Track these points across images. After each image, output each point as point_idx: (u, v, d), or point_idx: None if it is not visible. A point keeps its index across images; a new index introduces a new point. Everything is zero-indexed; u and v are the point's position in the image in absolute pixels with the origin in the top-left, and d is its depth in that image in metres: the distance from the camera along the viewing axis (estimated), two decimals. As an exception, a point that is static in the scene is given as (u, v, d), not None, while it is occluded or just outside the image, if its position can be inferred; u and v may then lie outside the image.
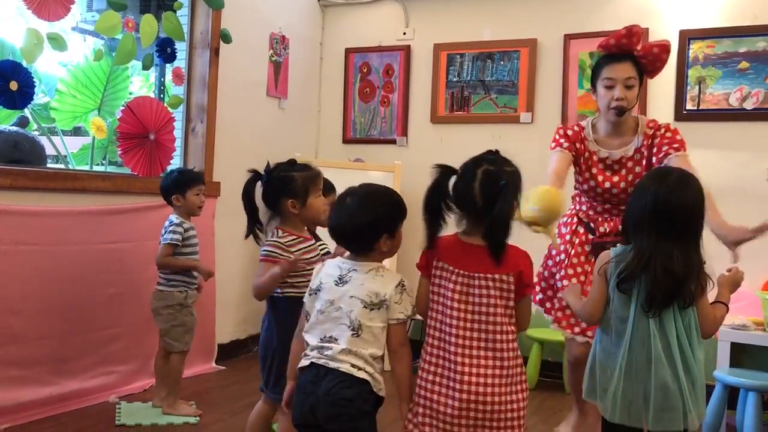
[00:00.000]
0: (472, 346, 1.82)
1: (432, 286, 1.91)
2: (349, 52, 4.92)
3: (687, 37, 3.90)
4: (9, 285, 2.96)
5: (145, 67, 3.75)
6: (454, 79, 4.56)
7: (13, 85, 2.97)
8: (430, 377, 1.85)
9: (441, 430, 1.82)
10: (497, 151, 1.94)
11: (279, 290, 2.30)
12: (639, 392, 1.91)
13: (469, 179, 1.85)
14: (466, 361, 1.81)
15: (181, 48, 3.89)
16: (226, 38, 4.02)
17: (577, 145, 2.74)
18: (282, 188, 2.34)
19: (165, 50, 3.70)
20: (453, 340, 1.83)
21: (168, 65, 3.92)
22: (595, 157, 2.75)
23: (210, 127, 4.01)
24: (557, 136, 2.80)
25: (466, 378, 1.79)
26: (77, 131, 4.23)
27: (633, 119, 2.74)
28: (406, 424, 1.90)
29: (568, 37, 4.22)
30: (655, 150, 2.67)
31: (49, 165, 3.64)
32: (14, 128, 3.39)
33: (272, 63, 4.49)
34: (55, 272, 3.14)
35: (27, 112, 3.58)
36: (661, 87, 3.98)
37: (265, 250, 2.29)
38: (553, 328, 2.88)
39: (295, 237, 2.34)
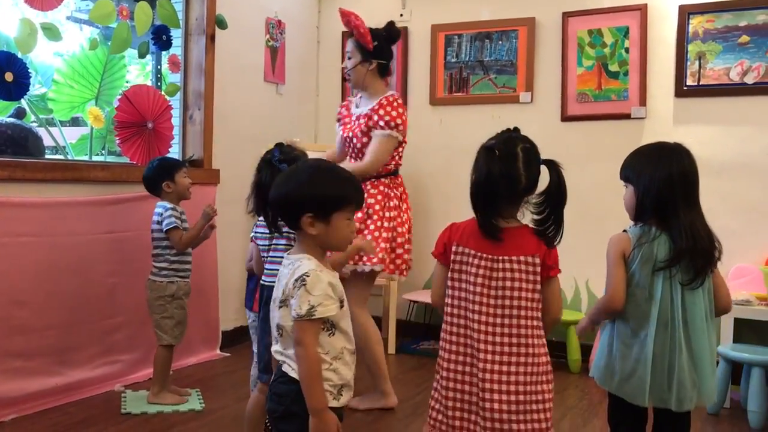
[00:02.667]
0: (495, 333, 1.76)
1: (452, 273, 1.84)
2: (345, 35, 4.88)
3: (686, 12, 3.86)
4: (11, 277, 2.96)
5: (141, 55, 3.73)
6: (453, 60, 4.53)
7: (9, 77, 2.96)
8: (459, 368, 1.80)
9: (473, 423, 1.78)
10: (517, 129, 1.88)
11: None
12: (664, 374, 1.91)
13: (512, 159, 1.77)
14: (489, 348, 1.76)
15: (176, 35, 3.86)
16: (222, 24, 3.99)
17: (346, 117, 3.35)
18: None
19: (160, 38, 3.68)
20: (476, 326, 1.78)
21: (164, 53, 3.90)
22: (350, 116, 3.33)
23: (208, 114, 4.00)
24: (338, 113, 3.43)
25: (489, 366, 1.75)
26: (75, 121, 4.21)
27: (378, 93, 3.23)
28: (432, 410, 1.84)
29: (567, 15, 4.18)
30: (371, 122, 3.16)
31: (48, 156, 3.63)
32: (11, 120, 3.37)
33: (269, 48, 4.46)
34: (56, 263, 3.14)
35: (24, 103, 3.56)
36: (661, 63, 3.96)
37: None
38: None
39: None
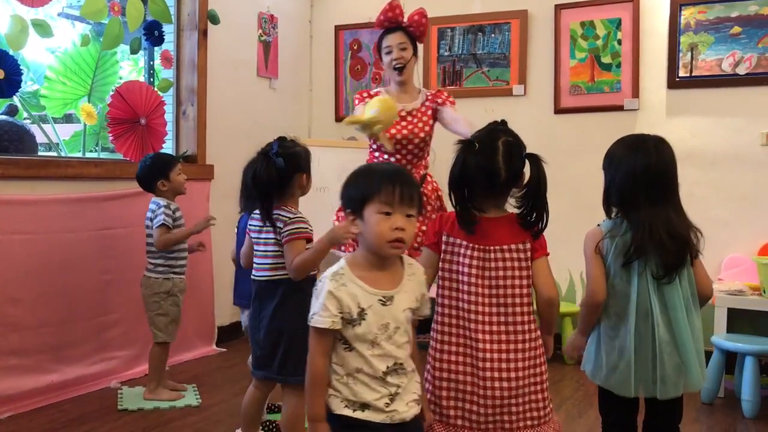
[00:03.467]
0: (492, 322, 1.78)
1: (442, 263, 1.85)
2: (338, 29, 4.88)
3: (678, 3, 3.87)
4: (5, 274, 2.95)
5: (133, 51, 3.72)
6: (446, 54, 4.53)
7: (0, 74, 2.94)
8: (453, 357, 1.81)
9: (468, 411, 1.80)
10: (504, 122, 1.90)
11: None
12: (648, 365, 1.92)
13: (491, 152, 1.78)
14: (487, 338, 1.78)
15: (168, 30, 3.85)
16: (214, 19, 3.98)
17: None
18: (297, 164, 2.30)
19: (152, 33, 3.66)
20: (473, 317, 1.79)
21: (156, 48, 3.89)
22: None
23: (201, 110, 3.99)
24: (357, 99, 3.23)
25: (488, 356, 1.77)
26: (69, 118, 4.20)
27: (415, 87, 3.28)
28: (429, 397, 1.85)
29: (559, 8, 4.18)
30: (440, 101, 3.20)
31: (41, 153, 3.62)
32: (3, 117, 3.36)
33: (261, 43, 4.46)
34: (51, 260, 3.13)
35: (16, 100, 3.55)
36: (653, 54, 3.97)
37: (295, 228, 2.23)
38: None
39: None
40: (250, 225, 2.37)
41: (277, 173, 2.24)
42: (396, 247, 1.58)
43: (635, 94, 4.00)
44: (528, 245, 1.80)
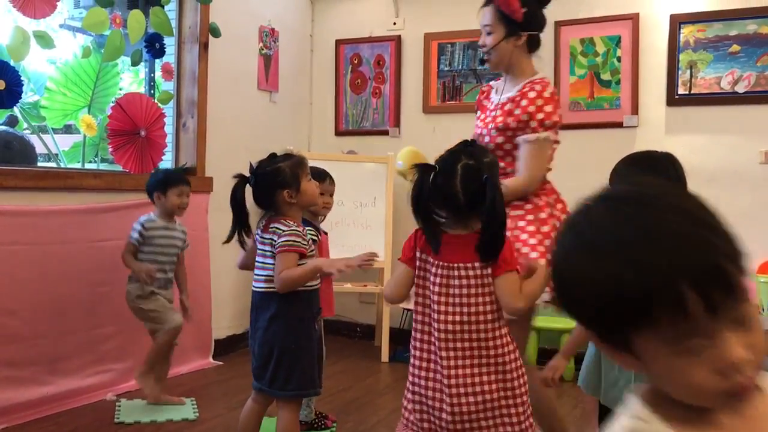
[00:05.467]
0: (456, 339, 1.80)
1: (417, 279, 1.89)
2: (339, 43, 4.90)
3: (678, 21, 3.89)
4: (2, 285, 2.94)
5: (134, 63, 3.72)
6: (446, 69, 4.55)
7: (0, 84, 2.95)
8: (422, 373, 1.85)
9: (438, 427, 1.82)
10: (473, 142, 1.93)
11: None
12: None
13: (450, 175, 1.81)
14: (452, 354, 1.80)
15: (169, 43, 3.86)
16: (215, 32, 3.99)
17: (481, 105, 2.64)
18: (274, 181, 2.32)
19: (153, 46, 3.67)
20: (437, 335, 1.82)
21: (157, 61, 3.90)
22: (486, 111, 2.56)
23: (201, 123, 3.99)
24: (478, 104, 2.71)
25: (452, 372, 1.79)
26: (68, 129, 4.20)
27: (529, 73, 2.48)
28: (405, 410, 1.90)
29: (559, 24, 4.20)
30: (511, 118, 2.38)
31: (40, 164, 3.62)
32: (3, 127, 3.36)
33: (262, 56, 4.47)
34: (48, 271, 3.12)
35: (16, 111, 3.56)
36: (653, 72, 3.98)
37: (287, 240, 2.25)
38: None
39: (299, 226, 2.34)
40: (256, 234, 2.38)
41: (254, 193, 2.33)
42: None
43: (634, 111, 4.01)
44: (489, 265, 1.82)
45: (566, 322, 4.00)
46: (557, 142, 2.49)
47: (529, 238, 2.34)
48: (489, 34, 2.45)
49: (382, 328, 4.28)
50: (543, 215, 2.44)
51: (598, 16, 4.11)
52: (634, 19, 3.99)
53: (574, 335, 2.02)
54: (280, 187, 2.32)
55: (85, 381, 3.28)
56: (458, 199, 1.80)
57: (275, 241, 2.27)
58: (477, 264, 1.81)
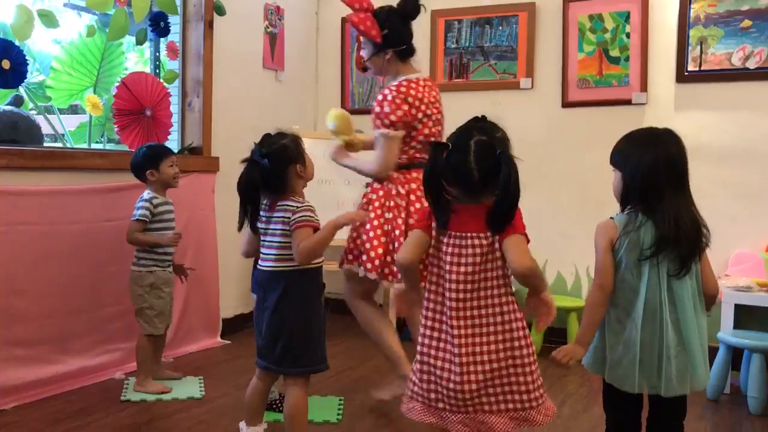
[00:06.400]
0: (466, 307, 1.83)
1: (432, 249, 1.91)
2: (345, 21, 4.85)
3: (688, -4, 3.83)
4: (10, 265, 2.95)
5: (139, 42, 3.71)
6: (453, 46, 4.51)
7: (5, 64, 2.94)
8: (433, 343, 1.88)
9: (445, 395, 1.86)
10: (484, 117, 1.91)
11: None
12: (653, 361, 1.91)
13: (464, 152, 1.81)
14: (461, 323, 1.83)
15: (174, 22, 3.84)
16: (220, 10, 3.96)
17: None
18: (285, 157, 2.31)
19: (158, 24, 3.65)
20: (449, 303, 1.85)
21: (162, 40, 3.88)
22: None
23: (206, 102, 3.98)
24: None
25: (462, 341, 1.83)
26: (74, 109, 4.20)
27: (407, 72, 2.89)
28: (410, 382, 1.94)
29: (567, 0, 4.15)
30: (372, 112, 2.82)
31: (46, 144, 3.62)
32: (9, 107, 3.36)
33: (267, 35, 4.44)
34: (55, 251, 3.13)
35: (22, 90, 3.55)
36: (662, 48, 3.93)
37: (302, 216, 2.26)
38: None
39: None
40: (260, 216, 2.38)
41: (267, 174, 2.27)
42: None
43: (643, 88, 3.96)
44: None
45: (573, 301, 4.00)
46: (416, 133, 2.83)
47: (374, 219, 2.79)
48: (363, 48, 2.90)
49: (388, 308, 4.28)
50: (390, 203, 2.81)
51: (607, -9, 4.05)
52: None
53: (588, 321, 2.00)
54: (291, 162, 2.32)
55: (93, 360, 3.31)
56: (472, 176, 1.80)
57: (290, 218, 2.27)
58: (488, 234, 1.83)
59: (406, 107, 2.78)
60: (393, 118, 2.77)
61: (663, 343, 1.90)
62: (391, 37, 2.81)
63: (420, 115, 2.82)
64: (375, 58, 2.87)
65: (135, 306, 3.13)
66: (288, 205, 2.29)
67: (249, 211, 2.30)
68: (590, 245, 2.03)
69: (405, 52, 2.89)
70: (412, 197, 2.80)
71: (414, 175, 2.83)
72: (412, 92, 2.81)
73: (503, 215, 1.80)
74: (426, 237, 1.91)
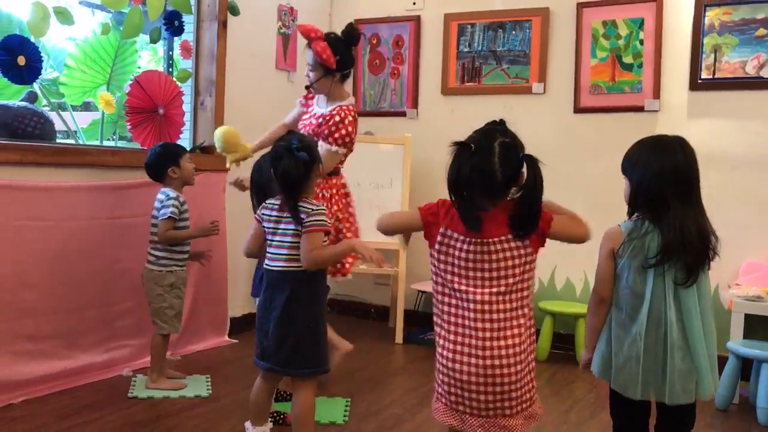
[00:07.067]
0: (492, 310, 1.83)
1: (438, 254, 1.90)
2: (358, 23, 4.85)
3: (703, 3, 3.81)
4: (22, 260, 2.97)
5: (153, 41, 3.72)
6: (465, 50, 4.50)
7: (21, 60, 2.96)
8: (455, 347, 1.86)
9: (469, 399, 1.86)
10: (503, 121, 1.91)
11: None
12: (658, 368, 1.91)
13: (487, 153, 1.80)
14: (487, 326, 1.83)
15: (188, 21, 3.85)
16: (234, 10, 3.98)
17: (309, 102, 3.34)
18: (314, 155, 2.34)
19: (172, 23, 3.67)
20: (473, 306, 1.84)
21: (176, 38, 3.89)
22: (308, 113, 3.30)
23: (219, 101, 3.99)
24: (303, 97, 3.39)
25: (488, 344, 1.82)
26: (87, 106, 4.21)
27: (341, 96, 3.21)
28: (436, 384, 1.96)
29: (581, 6, 4.14)
30: (319, 129, 3.13)
31: (59, 140, 3.64)
32: (23, 103, 3.38)
33: (280, 35, 4.45)
34: (66, 247, 3.15)
35: (36, 87, 3.57)
36: (676, 55, 3.92)
37: (316, 220, 2.27)
38: None
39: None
40: (263, 214, 2.38)
41: (299, 170, 2.27)
42: None
43: (656, 95, 3.95)
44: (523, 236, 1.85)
45: (582, 308, 3.99)
46: (347, 154, 3.18)
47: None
48: (311, 71, 3.14)
49: (397, 310, 4.29)
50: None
51: (621, -3, 4.04)
52: (657, 1, 3.93)
53: (587, 326, 2.04)
54: (318, 161, 2.34)
55: (102, 356, 3.32)
56: (495, 177, 1.79)
57: (303, 220, 2.27)
58: (511, 236, 1.83)
59: (356, 128, 3.20)
60: (348, 140, 3.11)
61: (667, 351, 1.90)
62: (341, 62, 3.12)
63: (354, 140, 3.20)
64: (324, 80, 3.14)
65: (153, 305, 3.14)
66: (303, 207, 2.29)
67: (290, 201, 2.29)
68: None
69: (346, 75, 3.24)
70: (334, 200, 3.18)
71: (334, 181, 3.20)
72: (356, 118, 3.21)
73: (529, 217, 1.81)
74: (419, 225, 1.92)
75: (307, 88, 3.24)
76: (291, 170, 2.25)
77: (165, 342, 3.18)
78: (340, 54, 3.10)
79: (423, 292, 4.50)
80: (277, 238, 2.33)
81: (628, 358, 1.94)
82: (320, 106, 3.24)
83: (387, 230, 2.04)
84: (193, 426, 2.78)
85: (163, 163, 3.13)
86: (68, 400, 2.98)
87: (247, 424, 2.51)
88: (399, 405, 3.12)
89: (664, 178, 1.91)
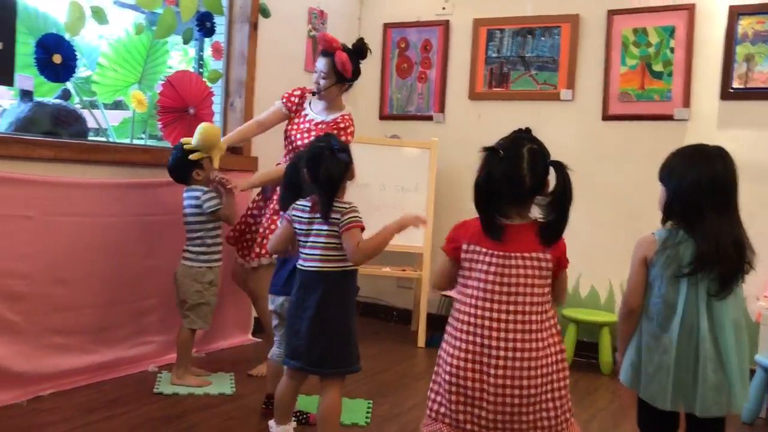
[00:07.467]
0: (508, 329, 1.79)
1: (462, 270, 1.88)
2: (387, 27, 4.89)
3: (736, 12, 3.78)
4: (53, 255, 3.02)
5: (186, 41, 3.77)
6: (494, 55, 4.50)
7: (57, 58, 3.01)
8: (462, 363, 1.82)
9: (477, 416, 1.80)
10: (528, 129, 1.91)
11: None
12: (689, 380, 1.89)
13: (516, 159, 1.80)
14: (501, 344, 1.78)
15: (220, 22, 3.89)
16: (265, 12, 4.01)
17: (296, 107, 3.47)
18: (351, 157, 2.38)
19: (204, 24, 3.71)
20: (488, 323, 1.80)
21: (207, 39, 3.94)
22: (301, 114, 3.44)
23: (248, 102, 4.03)
24: (287, 93, 3.50)
25: (501, 362, 1.78)
26: (117, 105, 4.27)
27: (340, 106, 3.42)
28: (433, 402, 1.89)
29: (612, 13, 4.12)
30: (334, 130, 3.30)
31: (90, 138, 3.69)
32: (57, 101, 3.44)
33: (310, 38, 4.48)
34: (96, 243, 3.20)
35: (69, 85, 3.63)
36: (707, 64, 3.88)
37: (353, 217, 2.31)
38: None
39: None
40: (294, 215, 2.40)
41: (343, 169, 2.32)
42: None
43: (686, 103, 3.92)
44: (549, 256, 1.82)
45: (606, 316, 3.97)
46: None
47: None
48: (323, 78, 3.31)
49: (420, 314, 4.29)
50: None
51: (653, 5, 4.02)
52: (690, 9, 3.90)
53: (618, 334, 2.04)
54: (352, 162, 2.38)
55: (128, 351, 3.36)
56: (524, 183, 1.79)
57: (338, 220, 2.29)
58: (534, 254, 1.81)
59: (352, 138, 3.39)
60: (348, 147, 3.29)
61: (699, 362, 1.88)
62: (355, 73, 3.36)
63: None
64: (334, 88, 3.33)
65: (190, 302, 3.17)
66: (336, 206, 2.32)
67: (329, 201, 2.31)
68: (625, 260, 2.03)
69: (350, 86, 3.47)
70: None
71: None
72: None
73: (557, 225, 1.80)
74: (455, 266, 1.90)
75: (314, 94, 3.37)
76: (333, 171, 2.28)
77: (192, 337, 3.22)
78: (355, 66, 3.32)
79: (446, 296, 4.50)
80: (311, 238, 2.35)
81: (658, 369, 1.92)
82: (317, 113, 3.40)
83: (440, 288, 2.03)
84: (217, 423, 2.81)
85: (188, 165, 3.17)
86: (95, 394, 3.03)
87: (271, 423, 2.53)
88: (421, 409, 3.12)
89: (701, 188, 1.90)
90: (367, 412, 3.00)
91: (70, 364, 3.08)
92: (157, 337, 3.51)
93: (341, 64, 3.24)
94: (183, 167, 3.18)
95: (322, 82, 3.32)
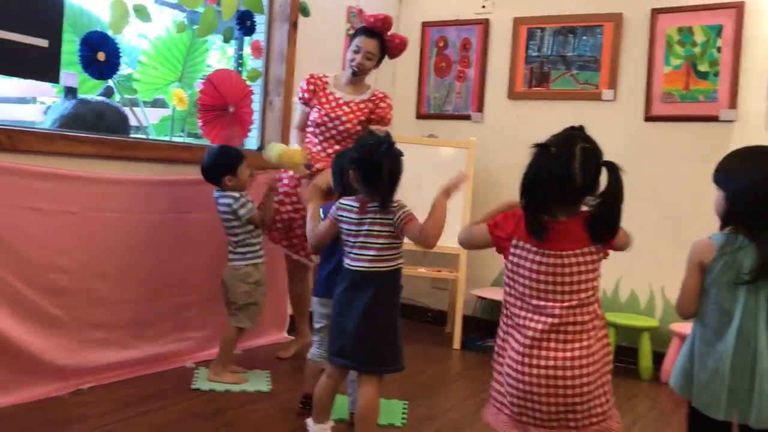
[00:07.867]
0: (562, 323, 1.80)
1: (511, 265, 1.88)
2: (425, 26, 4.86)
3: (786, 11, 3.68)
4: (95, 250, 3.06)
5: (226, 40, 3.79)
6: (534, 54, 4.45)
7: (101, 56, 3.05)
8: (525, 359, 1.83)
9: (532, 410, 1.83)
10: (581, 127, 1.87)
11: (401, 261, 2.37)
12: (744, 389, 1.83)
13: (568, 157, 1.76)
14: (560, 337, 1.80)
15: (260, 21, 3.91)
16: (305, 11, 4.02)
17: (315, 92, 3.54)
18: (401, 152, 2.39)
19: (245, 23, 3.72)
20: (544, 319, 1.81)
21: (246, 38, 3.95)
22: (330, 97, 3.52)
23: (287, 101, 4.04)
24: (300, 90, 3.58)
25: (554, 354, 1.79)
26: (156, 102, 4.32)
27: (366, 85, 3.59)
28: (494, 393, 1.94)
29: (656, 12, 4.04)
30: (373, 115, 3.52)
31: (132, 135, 3.73)
32: (100, 98, 3.48)
33: (349, 37, 4.47)
34: (135, 239, 3.23)
35: (111, 82, 3.67)
36: (756, 64, 3.79)
37: (408, 210, 2.34)
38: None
39: None
40: (341, 215, 2.39)
41: (397, 168, 2.34)
42: None
43: (732, 104, 3.82)
44: (600, 246, 1.82)
45: (646, 321, 3.89)
46: None
47: None
48: (369, 59, 3.44)
49: (455, 316, 4.26)
50: None
51: (699, 4, 3.93)
52: (738, 7, 3.80)
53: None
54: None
55: (167, 347, 3.39)
56: (575, 182, 1.76)
57: (392, 219, 2.31)
58: (585, 249, 1.80)
59: None
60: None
61: (756, 372, 1.82)
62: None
63: None
64: (371, 68, 3.52)
65: (239, 302, 3.18)
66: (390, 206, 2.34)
67: (386, 199, 2.33)
68: (667, 264, 1.99)
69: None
70: None
71: None
72: None
73: (609, 224, 1.78)
74: (488, 242, 1.93)
75: (355, 74, 3.47)
76: (396, 169, 2.32)
77: (237, 336, 3.23)
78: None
79: (482, 298, 4.46)
80: (360, 239, 2.34)
81: (712, 377, 1.86)
82: (347, 93, 3.53)
83: (464, 245, 2.06)
84: (254, 421, 2.82)
85: (220, 169, 3.17)
86: (133, 389, 3.06)
87: (309, 421, 2.53)
88: (457, 411, 3.10)
89: (765, 191, 1.84)
90: (403, 413, 2.98)
91: (109, 359, 3.12)
92: (195, 334, 3.53)
93: (398, 47, 3.48)
94: (216, 170, 3.19)
95: (367, 63, 3.44)
